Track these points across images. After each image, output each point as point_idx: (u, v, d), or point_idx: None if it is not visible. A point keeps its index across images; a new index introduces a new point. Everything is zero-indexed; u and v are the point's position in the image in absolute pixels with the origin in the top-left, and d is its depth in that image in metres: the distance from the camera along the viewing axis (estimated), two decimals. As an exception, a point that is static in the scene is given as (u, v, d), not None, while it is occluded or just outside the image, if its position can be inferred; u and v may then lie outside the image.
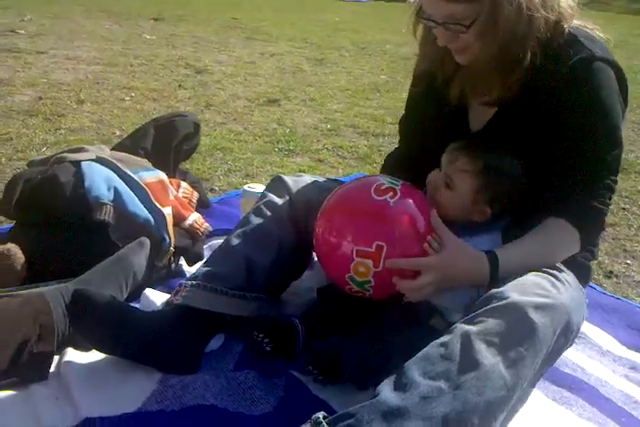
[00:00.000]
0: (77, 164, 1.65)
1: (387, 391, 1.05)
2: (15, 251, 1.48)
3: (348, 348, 1.29)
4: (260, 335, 1.36)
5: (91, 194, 1.56)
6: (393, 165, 1.55)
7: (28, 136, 2.64)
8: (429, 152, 1.39)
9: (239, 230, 1.53)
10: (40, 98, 3.17)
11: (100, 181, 1.60)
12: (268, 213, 1.54)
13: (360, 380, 1.28)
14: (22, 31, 4.64)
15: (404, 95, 1.49)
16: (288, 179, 1.64)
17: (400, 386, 1.04)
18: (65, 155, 1.71)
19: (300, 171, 2.59)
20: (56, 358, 1.31)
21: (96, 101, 3.25)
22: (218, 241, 1.86)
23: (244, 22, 6.60)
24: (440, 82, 1.35)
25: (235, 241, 1.49)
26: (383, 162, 1.62)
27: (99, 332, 1.33)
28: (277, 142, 3.00)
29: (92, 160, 1.67)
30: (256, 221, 1.53)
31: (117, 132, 2.84)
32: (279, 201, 1.56)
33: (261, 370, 1.35)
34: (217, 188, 2.37)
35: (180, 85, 3.79)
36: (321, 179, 1.68)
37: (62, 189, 1.57)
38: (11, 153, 2.44)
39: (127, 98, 3.39)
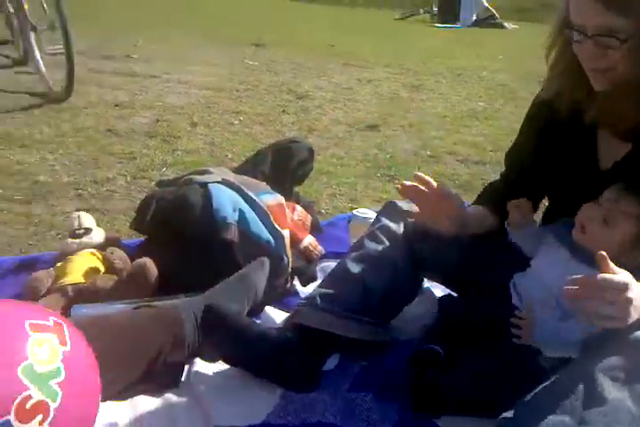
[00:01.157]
0: (205, 185, 1.76)
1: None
2: (150, 265, 1.59)
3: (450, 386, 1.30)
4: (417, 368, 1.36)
5: (218, 214, 1.66)
6: (490, 198, 1.53)
7: (149, 156, 2.82)
8: (542, 190, 1.35)
9: (354, 254, 1.57)
10: (157, 120, 3.39)
11: (227, 202, 1.70)
12: (383, 238, 1.58)
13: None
14: (135, 56, 4.96)
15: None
16: (402, 204, 1.67)
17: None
18: (193, 176, 1.83)
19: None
20: (186, 367, 1.40)
21: (208, 125, 3.43)
22: (328, 263, 1.92)
23: (340, 48, 6.75)
24: (564, 113, 1.30)
25: (351, 265, 1.54)
26: (482, 192, 1.60)
27: (227, 345, 1.41)
28: (379, 168, 3.04)
29: (219, 182, 1.77)
30: (371, 245, 1.57)
31: (229, 155, 2.98)
32: (393, 226, 1.59)
33: (377, 393, 1.38)
34: (323, 211, 2.43)
35: (283, 110, 3.93)
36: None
37: (192, 209, 1.68)
38: (135, 172, 2.61)
39: (236, 122, 3.55)
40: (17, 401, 0.75)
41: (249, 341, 1.39)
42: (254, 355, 1.39)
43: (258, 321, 1.59)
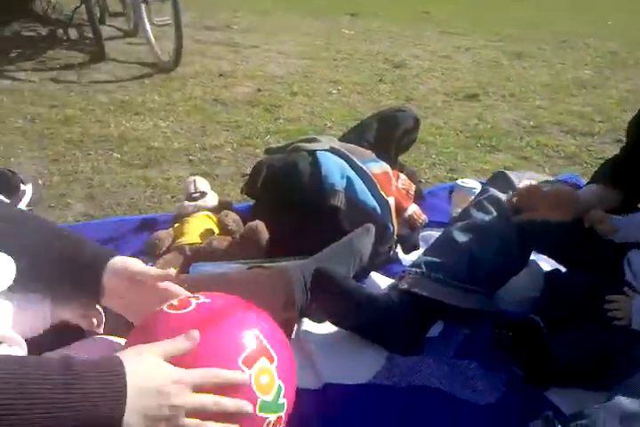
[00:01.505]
0: (313, 153, 1.80)
1: (621, 397, 1.05)
2: (262, 228, 1.66)
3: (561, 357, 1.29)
4: (503, 331, 1.38)
5: (326, 181, 1.70)
6: (610, 174, 1.47)
7: (252, 124, 2.90)
8: None
9: (460, 224, 1.57)
10: (259, 90, 3.46)
11: (335, 169, 1.73)
12: (491, 209, 1.57)
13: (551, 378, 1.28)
14: (236, 27, 5.05)
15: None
16: (512, 174, 1.64)
17: (634, 393, 1.03)
18: (301, 144, 1.87)
19: (505, 168, 2.56)
20: (295, 326, 1.46)
21: (307, 94, 3.47)
22: (430, 232, 1.93)
23: (436, 16, 6.57)
24: None
25: (458, 234, 1.54)
26: (599, 168, 1.55)
27: (335, 307, 1.46)
28: (479, 138, 2.98)
29: (327, 150, 1.81)
30: (478, 215, 1.56)
31: (328, 124, 3.01)
32: (502, 196, 1.58)
33: (482, 362, 1.39)
34: (423, 180, 2.43)
35: (380, 80, 3.90)
36: (543, 177, 1.66)
37: (301, 176, 1.73)
38: (240, 139, 2.70)
39: (334, 91, 3.57)
40: None
41: (356, 304, 1.43)
42: (361, 318, 1.43)
43: (363, 286, 1.64)
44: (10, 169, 1.89)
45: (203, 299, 0.90)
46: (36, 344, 0.94)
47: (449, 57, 4.77)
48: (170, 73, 3.55)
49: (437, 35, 5.68)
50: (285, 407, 0.86)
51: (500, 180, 1.64)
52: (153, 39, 3.61)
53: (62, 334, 0.99)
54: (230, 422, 0.78)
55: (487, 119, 3.28)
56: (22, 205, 1.84)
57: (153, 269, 0.99)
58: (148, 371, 0.72)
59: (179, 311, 0.86)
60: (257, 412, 0.81)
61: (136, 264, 0.98)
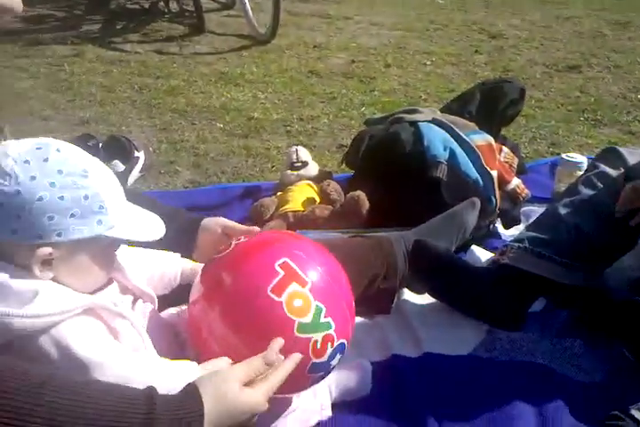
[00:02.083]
0: (415, 124, 1.79)
1: None
2: (363, 197, 1.69)
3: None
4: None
5: (429, 153, 1.69)
6: None
7: (347, 96, 2.91)
8: None
9: (567, 199, 1.54)
10: (353, 61, 3.45)
11: (438, 141, 1.72)
12: (600, 185, 1.52)
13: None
14: (327, -3, 5.03)
15: None
16: (624, 151, 1.58)
17: None
18: (402, 115, 1.87)
19: (611, 143, 2.46)
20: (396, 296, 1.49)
21: (401, 65, 3.43)
22: (531, 207, 1.89)
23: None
24: None
25: (563, 210, 1.51)
26: None
27: (433, 280, 1.47)
28: (582, 111, 2.86)
29: (429, 121, 1.80)
30: (586, 191, 1.52)
31: (423, 96, 2.97)
32: (613, 173, 1.53)
33: (587, 340, 1.37)
34: (523, 155, 2.37)
35: (476, 50, 3.80)
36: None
37: (403, 147, 1.73)
38: (335, 111, 2.72)
39: (428, 62, 3.51)
40: (310, 349, 0.90)
41: (453, 277, 1.44)
42: (461, 292, 1.44)
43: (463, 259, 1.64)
44: (125, 136, 2.01)
45: (242, 239, 1.00)
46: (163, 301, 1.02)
47: (548, 27, 4.57)
48: (266, 45, 3.60)
49: (536, 4, 5.43)
50: (333, 325, 0.91)
51: (610, 155, 1.58)
52: (250, 11, 3.66)
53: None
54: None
55: (590, 92, 3.14)
56: (136, 170, 1.95)
57: (240, 225, 1.12)
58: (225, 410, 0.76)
59: (218, 255, 0.97)
60: (296, 333, 0.88)
61: (225, 220, 1.14)
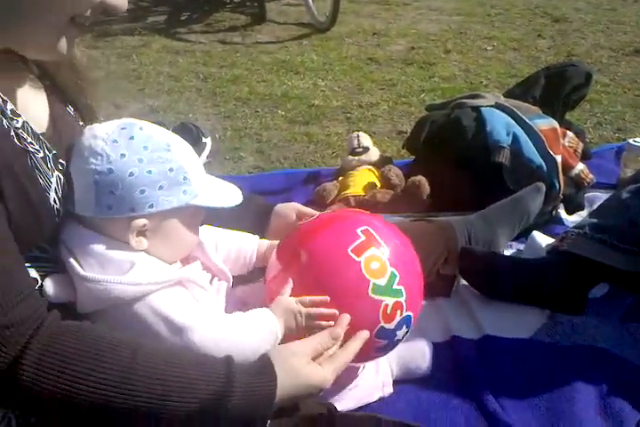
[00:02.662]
0: (477, 109, 1.79)
1: None
2: (424, 182, 1.71)
3: None
4: None
5: (491, 138, 1.69)
6: None
7: (407, 83, 2.91)
8: None
9: (633, 186, 1.51)
10: (412, 48, 3.44)
11: (500, 126, 1.72)
12: (669, 171, 1.49)
13: None
14: (387, -16, 5.01)
15: None
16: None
17: None
18: (464, 100, 1.87)
19: (681, 129, 2.38)
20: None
21: (461, 51, 3.40)
22: (595, 193, 1.86)
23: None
24: None
25: (628, 196, 1.49)
26: None
27: (484, 280, 1.46)
28: (651, 96, 2.78)
29: (492, 106, 1.80)
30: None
31: (484, 82, 2.95)
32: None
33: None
34: (588, 140, 2.32)
35: (538, 35, 3.72)
36: None
37: (465, 132, 1.73)
38: (395, 98, 2.74)
39: (489, 48, 3.46)
40: (381, 313, 0.94)
41: (511, 274, 1.43)
42: (519, 285, 1.42)
43: (522, 245, 1.64)
44: (193, 123, 2.08)
45: (327, 211, 1.08)
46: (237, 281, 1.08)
47: (614, 9, 4.41)
48: (326, 33, 3.63)
49: (603, -15, 5.25)
50: (404, 294, 0.96)
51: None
52: (310, 0, 3.69)
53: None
54: (344, 306, 0.92)
55: (660, 76, 3.04)
56: (203, 156, 2.02)
57: (313, 210, 1.17)
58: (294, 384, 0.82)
59: (305, 221, 1.07)
60: (370, 293, 0.93)
61: (299, 206, 1.20)
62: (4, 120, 0.75)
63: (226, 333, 0.86)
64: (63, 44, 0.76)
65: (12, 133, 0.75)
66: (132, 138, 0.84)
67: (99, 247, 0.84)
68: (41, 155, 0.80)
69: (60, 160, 0.84)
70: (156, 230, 0.87)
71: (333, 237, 0.98)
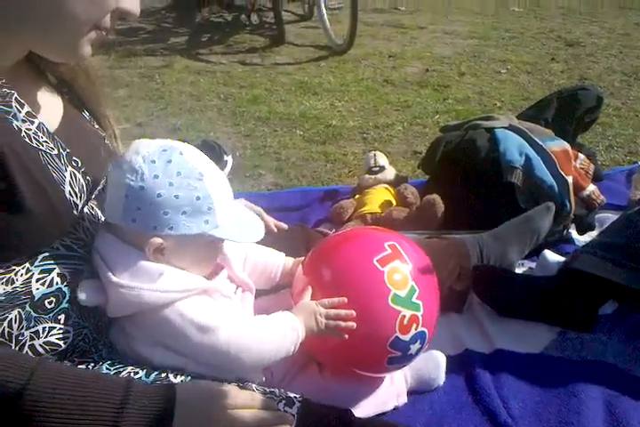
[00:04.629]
0: (491, 130, 1.85)
1: None
2: (439, 201, 1.75)
3: None
4: None
5: (504, 158, 1.74)
6: None
7: (421, 104, 2.99)
8: None
9: (640, 206, 1.55)
10: (427, 70, 3.52)
11: (513, 146, 1.77)
12: (679, 192, 1.53)
13: None
14: (403, 8, 5.10)
15: None
16: None
17: None
18: (479, 122, 1.93)
19: (691, 152, 2.42)
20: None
21: (475, 74, 3.47)
22: (606, 214, 1.90)
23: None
24: None
25: (636, 216, 1.53)
26: None
27: (501, 298, 1.50)
28: (663, 120, 2.83)
29: (505, 128, 1.85)
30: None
31: (498, 104, 3.01)
32: (692, 181, 1.53)
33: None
34: (600, 162, 2.37)
35: (552, 58, 3.79)
36: None
37: (479, 152, 1.78)
38: (410, 119, 2.81)
39: (503, 71, 3.53)
40: (397, 323, 1.00)
41: (522, 292, 1.46)
42: (529, 303, 1.46)
43: (534, 263, 1.68)
44: (215, 141, 2.16)
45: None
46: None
47: (628, 34, 4.48)
48: (343, 55, 3.72)
49: (616, 10, 5.32)
50: (422, 309, 1.01)
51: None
52: (328, 23, 3.79)
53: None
54: (365, 313, 0.97)
55: (672, 101, 3.08)
56: (225, 173, 2.09)
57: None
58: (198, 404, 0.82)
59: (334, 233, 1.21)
60: (389, 302, 0.98)
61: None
62: (16, 122, 0.81)
63: (250, 332, 0.92)
64: (85, 47, 0.82)
65: (24, 134, 0.81)
66: (169, 162, 0.88)
67: (130, 258, 0.90)
68: (55, 152, 0.85)
69: (74, 158, 0.89)
70: (173, 251, 0.91)
71: (361, 247, 1.05)
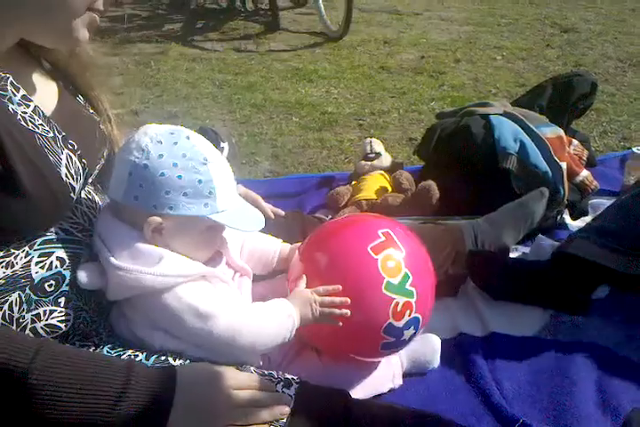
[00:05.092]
0: (487, 117, 1.85)
1: None
2: (434, 187, 1.76)
3: None
4: None
5: (499, 144, 1.75)
6: None
7: (417, 91, 2.99)
8: None
9: (635, 191, 1.57)
10: (422, 57, 3.52)
11: (508, 133, 1.78)
12: (670, 177, 1.54)
13: None
14: (398, -7, 5.10)
15: None
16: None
17: None
18: (474, 108, 1.94)
19: (685, 138, 2.44)
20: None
21: (471, 60, 3.47)
22: (599, 200, 1.92)
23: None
24: None
25: (630, 201, 1.54)
26: None
27: (495, 282, 1.52)
28: (657, 106, 2.84)
29: (500, 114, 1.86)
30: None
31: (493, 90, 3.01)
32: (684, 166, 1.55)
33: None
34: (593, 148, 2.38)
35: (547, 45, 3.79)
36: None
37: (474, 139, 1.79)
38: (406, 106, 2.81)
39: (498, 57, 3.54)
40: (391, 309, 1.01)
41: (517, 276, 1.48)
42: (524, 287, 1.48)
43: (528, 248, 1.70)
44: (212, 128, 2.16)
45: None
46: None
47: (623, 20, 4.48)
48: (338, 42, 3.72)
49: (612, -4, 5.31)
50: (415, 295, 1.03)
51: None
52: (323, 9, 3.78)
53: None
54: (357, 299, 0.99)
55: (667, 86, 3.09)
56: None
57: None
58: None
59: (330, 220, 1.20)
60: (382, 290, 1.00)
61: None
62: (11, 106, 0.81)
63: (248, 319, 0.94)
64: (81, 31, 0.82)
65: (20, 117, 0.82)
66: (175, 143, 0.90)
67: (131, 240, 0.91)
68: (51, 135, 0.86)
69: (70, 141, 0.90)
70: (172, 232, 0.92)
71: (355, 235, 1.06)
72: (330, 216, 1.75)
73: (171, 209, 0.90)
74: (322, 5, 3.78)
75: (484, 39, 3.87)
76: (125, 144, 0.92)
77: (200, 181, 0.90)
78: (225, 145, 2.12)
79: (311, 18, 4.08)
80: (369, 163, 1.97)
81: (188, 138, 0.91)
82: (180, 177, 0.89)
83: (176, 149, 0.90)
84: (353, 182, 1.94)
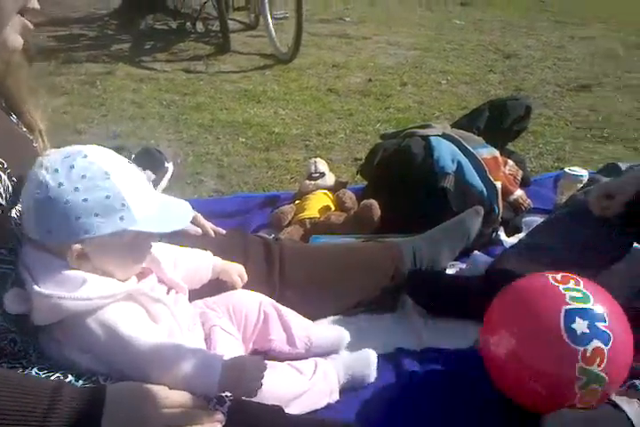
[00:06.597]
0: (427, 138, 1.92)
1: None
2: (375, 205, 1.81)
3: None
4: None
5: (438, 164, 1.81)
6: None
7: (364, 113, 3.05)
8: None
9: (566, 209, 1.65)
10: (370, 80, 3.60)
11: (446, 153, 1.84)
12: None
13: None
14: (348, 19, 5.20)
15: None
16: (624, 166, 1.69)
17: None
18: (415, 130, 2.00)
19: (615, 159, 2.56)
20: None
21: (416, 84, 3.57)
22: (533, 218, 1.99)
23: (553, 5, 6.40)
24: None
25: (561, 218, 1.62)
26: None
27: (432, 298, 1.56)
28: (590, 129, 2.97)
29: (439, 136, 1.93)
30: (583, 199, 1.63)
31: (437, 113, 3.10)
32: (613, 186, 1.63)
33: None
34: (529, 169, 2.48)
35: (490, 70, 3.93)
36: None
37: (414, 159, 1.85)
38: (352, 127, 2.87)
39: (443, 81, 3.64)
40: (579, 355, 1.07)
41: (454, 293, 1.53)
42: (461, 304, 1.52)
43: (464, 264, 1.75)
44: (156, 148, 2.16)
45: None
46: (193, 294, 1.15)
47: (562, 47, 4.69)
48: (288, 64, 3.77)
49: (552, 24, 5.56)
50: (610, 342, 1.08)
51: (611, 170, 1.70)
52: (273, 32, 3.84)
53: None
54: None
55: (600, 110, 3.24)
56: (165, 180, 2.09)
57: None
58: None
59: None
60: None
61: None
62: None
63: (167, 350, 0.90)
64: (14, 37, 0.82)
65: None
66: (72, 167, 0.88)
67: (53, 267, 0.90)
68: None
69: (1, 159, 0.89)
70: (97, 254, 0.92)
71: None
72: (273, 235, 1.78)
73: (87, 233, 0.89)
74: (272, 28, 3.84)
75: (430, 64, 3.98)
76: (27, 182, 0.90)
77: (108, 197, 0.89)
78: (169, 165, 2.12)
79: (262, 40, 4.13)
80: (313, 182, 2.00)
81: (85, 157, 0.90)
82: (85, 200, 0.88)
83: (74, 172, 0.89)
84: (297, 201, 1.97)
